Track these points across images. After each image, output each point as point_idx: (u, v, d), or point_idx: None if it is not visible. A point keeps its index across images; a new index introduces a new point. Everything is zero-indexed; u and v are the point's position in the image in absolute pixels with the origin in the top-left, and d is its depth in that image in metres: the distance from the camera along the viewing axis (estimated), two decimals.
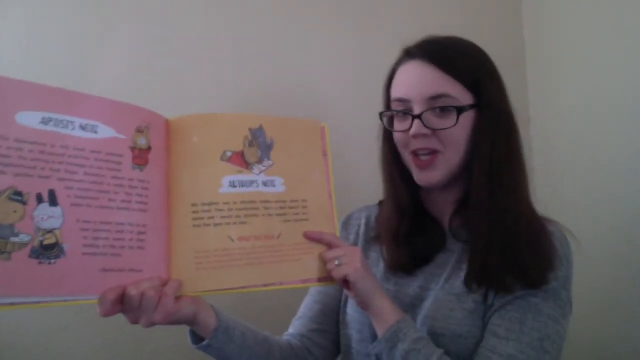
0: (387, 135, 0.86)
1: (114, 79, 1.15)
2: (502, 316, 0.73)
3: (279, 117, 0.76)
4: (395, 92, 0.81)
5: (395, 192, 0.86)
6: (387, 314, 0.74)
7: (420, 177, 0.80)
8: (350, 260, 0.72)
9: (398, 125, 0.82)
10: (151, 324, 0.62)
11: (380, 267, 0.87)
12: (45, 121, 0.59)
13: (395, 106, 0.82)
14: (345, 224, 0.97)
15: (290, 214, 0.74)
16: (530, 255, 0.74)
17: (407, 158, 0.82)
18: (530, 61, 1.42)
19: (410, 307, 0.81)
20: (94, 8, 1.15)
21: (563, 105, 1.32)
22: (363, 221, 0.95)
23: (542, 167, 1.39)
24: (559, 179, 1.33)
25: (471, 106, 0.78)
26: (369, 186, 0.93)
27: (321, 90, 1.29)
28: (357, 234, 0.94)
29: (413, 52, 0.80)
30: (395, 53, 0.85)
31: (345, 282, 0.73)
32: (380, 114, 0.85)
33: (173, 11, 1.20)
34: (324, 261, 0.73)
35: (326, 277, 0.74)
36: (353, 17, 1.32)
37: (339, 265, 0.72)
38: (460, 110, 0.76)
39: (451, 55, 0.78)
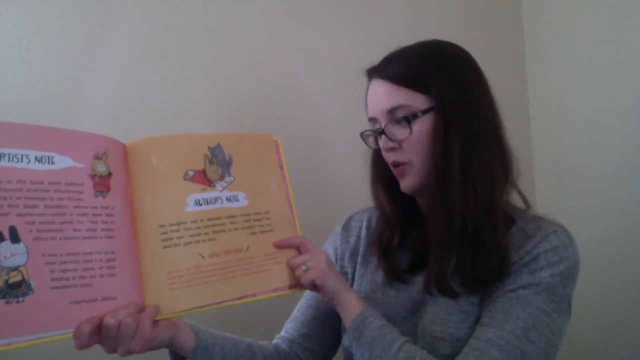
0: (372, 153, 0.88)
1: (114, 79, 1.15)
2: (490, 308, 0.74)
3: (234, 133, 0.79)
4: (368, 113, 0.84)
5: (380, 208, 0.88)
6: (353, 306, 0.77)
7: (402, 184, 0.82)
8: (316, 264, 0.75)
9: (380, 142, 0.84)
10: (129, 353, 0.62)
11: (381, 274, 0.87)
12: None
13: (369, 126, 0.85)
14: (346, 227, 0.97)
15: (256, 227, 0.76)
16: (473, 260, 0.75)
17: (393, 169, 0.83)
18: (530, 61, 1.42)
19: (411, 312, 0.82)
20: (94, 8, 1.15)
21: (563, 105, 1.32)
22: (364, 224, 0.95)
23: (542, 167, 1.39)
24: (559, 179, 1.34)
25: (427, 110, 0.77)
26: (364, 184, 0.93)
27: (317, 89, 1.29)
28: (359, 236, 0.94)
29: (370, 73, 0.83)
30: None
31: (315, 286, 0.75)
32: (361, 135, 0.87)
33: (173, 11, 1.20)
34: (292, 268, 0.76)
35: (296, 284, 0.76)
36: (351, 17, 1.32)
37: (306, 270, 0.75)
38: (411, 118, 0.77)
39: (400, 66, 0.79)
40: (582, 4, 1.25)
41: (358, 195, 1.04)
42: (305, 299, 0.93)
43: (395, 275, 0.85)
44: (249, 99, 1.24)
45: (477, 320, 0.75)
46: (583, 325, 1.21)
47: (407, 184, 0.81)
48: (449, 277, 0.77)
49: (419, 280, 0.83)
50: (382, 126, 0.80)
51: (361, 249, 0.93)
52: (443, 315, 0.77)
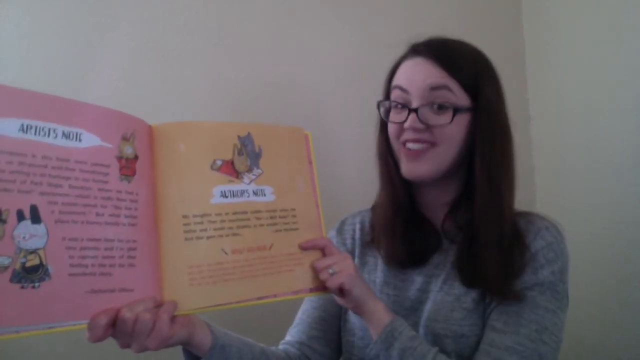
0: (384, 127, 0.87)
1: (114, 79, 1.15)
2: (501, 311, 0.74)
3: (265, 124, 0.74)
4: (397, 81, 0.82)
5: (391, 184, 0.86)
6: (381, 315, 0.74)
7: (409, 167, 0.81)
8: (344, 268, 0.72)
9: (394, 116, 0.83)
10: (144, 349, 0.59)
11: (379, 272, 0.87)
12: (25, 129, 0.54)
13: (395, 94, 0.82)
14: (340, 230, 0.97)
15: (281, 224, 0.71)
16: (508, 260, 0.76)
17: (397, 148, 0.83)
18: (530, 61, 1.42)
19: (411, 310, 0.82)
20: (94, 8, 1.15)
21: (563, 105, 1.32)
22: (358, 226, 0.95)
23: (543, 167, 1.39)
24: (559, 179, 1.33)
25: (468, 109, 0.79)
26: (364, 184, 0.93)
27: (317, 89, 1.29)
28: (353, 239, 0.94)
29: (419, 49, 0.82)
30: (393, 52, 0.86)
31: (340, 291, 0.72)
32: (379, 103, 0.85)
33: (173, 11, 1.20)
34: (315, 271, 0.72)
35: (318, 287, 0.72)
36: (351, 16, 1.32)
37: (332, 274, 0.71)
38: (457, 109, 0.77)
39: (455, 56, 0.80)
40: (582, 4, 1.25)
41: (358, 195, 1.04)
42: (310, 301, 0.92)
43: (395, 260, 0.84)
44: (249, 99, 1.24)
45: (480, 317, 0.76)
46: (583, 325, 1.20)
47: (420, 168, 0.80)
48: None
49: (417, 278, 0.83)
50: (413, 102, 0.79)
51: (357, 251, 0.93)
52: (445, 312, 0.77)
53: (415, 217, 0.87)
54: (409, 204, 0.86)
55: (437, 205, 0.85)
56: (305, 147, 0.77)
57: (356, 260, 0.92)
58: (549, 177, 1.36)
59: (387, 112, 0.85)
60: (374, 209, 0.93)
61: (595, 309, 1.21)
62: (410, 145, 0.80)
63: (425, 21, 1.35)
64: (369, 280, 0.88)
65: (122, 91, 1.15)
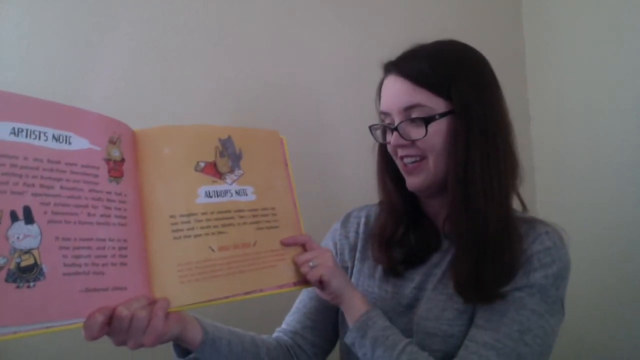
0: (380, 145, 0.89)
1: (114, 79, 1.15)
2: (485, 309, 0.74)
3: (243, 128, 0.77)
4: (380, 106, 0.84)
5: (389, 200, 0.88)
6: (358, 305, 0.78)
7: (408, 182, 0.82)
8: (323, 261, 0.75)
9: (388, 136, 0.84)
10: (139, 346, 0.60)
11: (379, 269, 0.88)
12: (16, 132, 0.55)
13: (381, 119, 0.85)
14: (345, 223, 0.97)
15: (263, 222, 0.75)
16: (492, 267, 0.74)
17: (399, 164, 0.84)
18: (530, 61, 1.42)
19: (407, 308, 0.82)
20: (94, 8, 1.15)
21: (563, 105, 1.32)
22: (363, 220, 0.95)
23: (542, 167, 1.39)
24: (559, 179, 1.34)
25: (444, 114, 0.77)
26: (364, 183, 0.93)
27: (317, 89, 1.29)
28: (357, 232, 0.95)
29: (389, 67, 0.83)
30: (392, 52, 0.85)
31: (320, 283, 0.75)
32: (370, 128, 0.87)
33: (173, 11, 1.20)
34: (297, 265, 0.75)
35: (301, 281, 0.75)
36: (351, 16, 1.32)
37: (313, 266, 0.74)
38: (428, 120, 0.77)
39: (421, 67, 0.78)
40: (582, 4, 1.25)
41: (358, 195, 1.04)
42: (307, 291, 0.93)
43: (392, 268, 0.85)
44: (249, 99, 1.24)
45: (470, 318, 0.76)
46: (583, 325, 1.21)
47: (416, 181, 0.81)
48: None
49: (415, 277, 0.84)
50: (395, 122, 0.80)
51: (359, 245, 0.93)
52: (437, 311, 0.77)
53: (418, 217, 0.87)
54: (408, 214, 0.87)
55: (439, 208, 0.86)
56: (281, 150, 0.81)
57: (357, 254, 0.93)
58: (549, 177, 1.36)
59: (384, 133, 0.86)
60: (381, 204, 0.93)
61: (595, 309, 1.21)
62: (405, 160, 0.82)
63: (425, 21, 1.35)
64: (369, 275, 0.89)
65: (122, 91, 1.15)
